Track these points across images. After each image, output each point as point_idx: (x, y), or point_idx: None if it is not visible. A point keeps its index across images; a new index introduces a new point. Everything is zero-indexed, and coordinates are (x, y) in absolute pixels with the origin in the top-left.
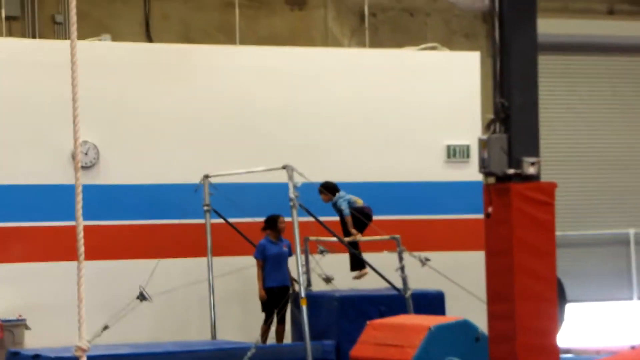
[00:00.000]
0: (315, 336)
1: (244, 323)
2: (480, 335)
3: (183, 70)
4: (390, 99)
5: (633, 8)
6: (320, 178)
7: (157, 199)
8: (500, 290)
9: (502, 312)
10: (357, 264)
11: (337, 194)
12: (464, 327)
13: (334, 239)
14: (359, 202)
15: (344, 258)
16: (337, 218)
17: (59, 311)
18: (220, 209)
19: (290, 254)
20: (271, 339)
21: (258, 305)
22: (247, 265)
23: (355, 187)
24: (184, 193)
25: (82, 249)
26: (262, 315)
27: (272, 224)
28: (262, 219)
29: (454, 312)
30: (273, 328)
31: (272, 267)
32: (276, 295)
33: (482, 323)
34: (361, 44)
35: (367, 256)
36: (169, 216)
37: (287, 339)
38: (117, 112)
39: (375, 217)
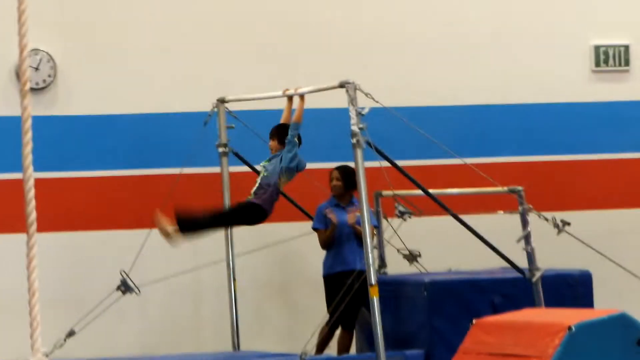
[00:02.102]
0: (395, 343)
1: (283, 325)
2: None
3: None
4: None
5: None
6: (398, 101)
7: (146, 137)
8: None
9: None
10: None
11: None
12: (622, 325)
13: (420, 192)
14: None
15: (437, 222)
16: (424, 162)
17: (1, 309)
18: (244, 150)
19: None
20: (331, 349)
21: (304, 297)
22: (289, 237)
23: (449, 114)
24: (186, 127)
25: (33, 215)
26: (311, 314)
27: (351, 180)
28: (310, 165)
29: (605, 303)
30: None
31: (338, 243)
32: (346, 286)
33: None
34: None
35: (475, 220)
36: (164, 163)
37: (353, 349)
38: (85, 8)
39: (484, 159)
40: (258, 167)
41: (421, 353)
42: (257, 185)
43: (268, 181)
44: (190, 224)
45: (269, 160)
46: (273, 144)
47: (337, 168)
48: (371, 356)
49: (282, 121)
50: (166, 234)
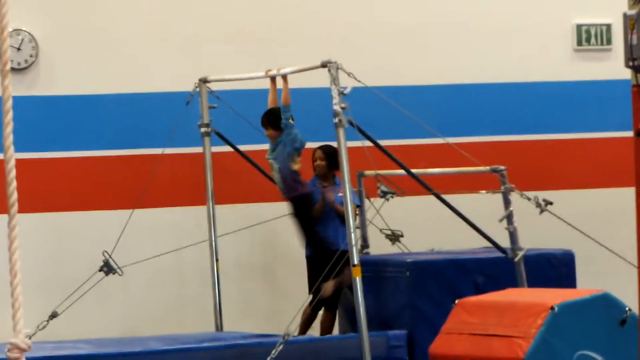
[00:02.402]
0: (378, 324)
1: (266, 306)
2: (627, 316)
3: None
4: None
5: None
6: (380, 81)
7: (128, 117)
8: None
9: None
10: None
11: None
12: (604, 305)
13: (402, 172)
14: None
15: (419, 202)
16: (406, 142)
17: None
18: (226, 130)
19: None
20: (313, 330)
21: (287, 278)
22: (271, 217)
23: (431, 94)
24: (169, 107)
25: (14, 196)
26: (294, 295)
27: (334, 160)
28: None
29: (588, 283)
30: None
31: (321, 223)
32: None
33: (630, 297)
34: None
35: (457, 200)
36: (146, 143)
37: (336, 330)
38: None
39: (467, 139)
40: (270, 161)
41: (404, 333)
42: (279, 180)
43: (284, 172)
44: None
45: (273, 150)
46: (269, 132)
47: (320, 147)
48: (354, 337)
49: (269, 104)
50: None
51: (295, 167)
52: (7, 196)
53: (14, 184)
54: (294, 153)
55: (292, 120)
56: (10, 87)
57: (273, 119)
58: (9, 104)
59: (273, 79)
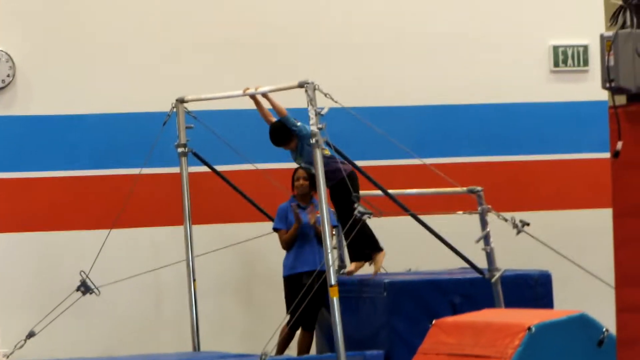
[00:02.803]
0: (355, 343)
1: (244, 326)
2: (604, 337)
3: None
4: None
5: None
6: (357, 101)
7: (106, 137)
8: (635, 270)
9: (637, 301)
10: (366, 248)
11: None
12: (581, 326)
13: (379, 192)
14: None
15: (397, 223)
16: (383, 162)
17: None
18: (203, 151)
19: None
20: (291, 349)
21: (264, 297)
22: (247, 236)
23: (408, 114)
24: (146, 127)
25: None
26: (271, 314)
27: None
28: (268, 166)
29: (565, 303)
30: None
31: (299, 243)
32: (306, 286)
33: (607, 318)
34: None
35: (434, 220)
36: (124, 164)
37: (313, 350)
38: (44, 8)
39: (444, 159)
40: (302, 165)
41: (381, 354)
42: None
43: (312, 161)
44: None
45: (300, 155)
46: (288, 146)
47: (303, 167)
48: (331, 357)
49: (264, 119)
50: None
51: (326, 152)
52: None
53: None
54: (310, 148)
55: (296, 122)
56: None
57: (281, 136)
58: None
59: (254, 97)
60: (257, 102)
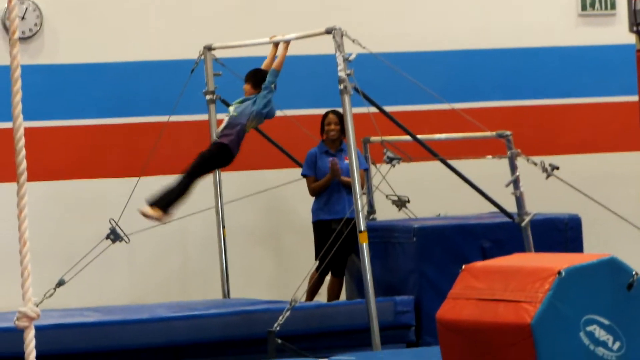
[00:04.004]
0: (385, 289)
1: (273, 273)
2: (634, 280)
3: None
4: None
5: None
6: (385, 47)
7: (134, 85)
8: None
9: None
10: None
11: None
12: (611, 269)
13: (408, 138)
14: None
15: (426, 168)
16: (411, 108)
17: None
18: (231, 98)
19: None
20: (321, 295)
21: (293, 244)
22: (275, 183)
23: (436, 59)
24: (174, 75)
25: (23, 165)
26: (300, 261)
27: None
28: (296, 112)
29: (595, 247)
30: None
31: (328, 190)
32: (336, 232)
33: (637, 261)
34: None
35: (463, 165)
36: (151, 111)
37: (343, 296)
38: None
39: (473, 104)
40: (230, 108)
41: (411, 299)
42: (224, 125)
43: (236, 121)
44: (168, 200)
45: (241, 102)
46: (247, 87)
47: (334, 112)
48: (361, 302)
49: (263, 67)
50: (155, 219)
51: (247, 127)
52: (16, 165)
53: (23, 152)
54: (257, 115)
55: (275, 87)
56: (18, 56)
57: (257, 77)
58: (18, 72)
59: (275, 45)
60: (274, 50)
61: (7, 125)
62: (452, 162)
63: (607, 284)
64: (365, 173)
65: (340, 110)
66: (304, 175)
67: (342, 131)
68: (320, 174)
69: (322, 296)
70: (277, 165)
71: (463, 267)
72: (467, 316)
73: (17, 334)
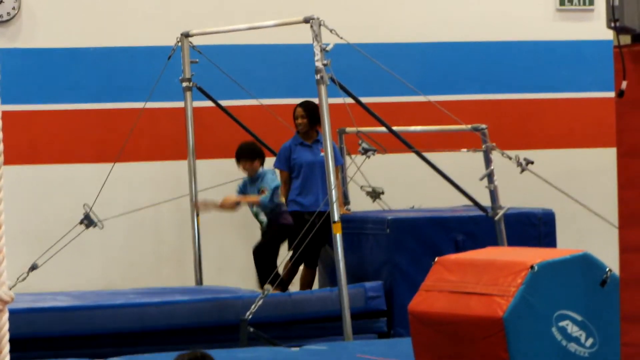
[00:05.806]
0: (357, 280)
1: (246, 262)
2: (607, 277)
3: None
4: None
5: None
6: (362, 38)
7: (110, 71)
8: (639, 210)
9: None
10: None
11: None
12: (585, 265)
13: (383, 129)
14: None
15: (400, 160)
16: (388, 99)
17: None
18: (208, 86)
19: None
20: (294, 285)
21: None
22: None
23: (413, 51)
24: (151, 61)
25: (0, 147)
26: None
27: (315, 116)
28: (272, 101)
29: (568, 242)
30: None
31: (303, 182)
32: (309, 223)
33: (610, 258)
34: None
35: (438, 158)
36: (128, 98)
37: (316, 286)
38: None
39: (449, 97)
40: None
41: (379, 284)
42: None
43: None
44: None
45: (252, 183)
46: (250, 164)
47: (301, 105)
48: (332, 290)
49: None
50: None
51: (282, 199)
52: None
53: (0, 135)
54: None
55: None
56: None
57: (251, 152)
58: None
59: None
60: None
61: None
62: (427, 155)
63: (580, 279)
64: (340, 168)
65: (313, 100)
66: (276, 167)
67: (311, 122)
68: (297, 166)
69: (295, 286)
70: None
71: (436, 259)
72: (439, 308)
73: None
